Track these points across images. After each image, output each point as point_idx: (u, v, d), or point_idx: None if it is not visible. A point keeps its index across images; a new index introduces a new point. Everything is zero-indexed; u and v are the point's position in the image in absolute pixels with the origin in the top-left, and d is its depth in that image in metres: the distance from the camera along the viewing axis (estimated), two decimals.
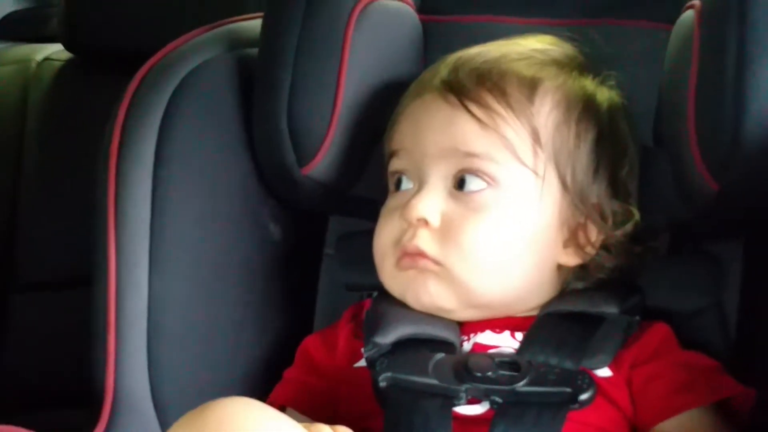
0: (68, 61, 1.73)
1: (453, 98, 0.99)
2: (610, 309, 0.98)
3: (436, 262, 0.97)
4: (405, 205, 0.98)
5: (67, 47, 1.72)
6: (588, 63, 1.06)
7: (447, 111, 0.99)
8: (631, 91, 1.07)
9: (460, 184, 0.98)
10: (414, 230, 0.98)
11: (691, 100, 0.96)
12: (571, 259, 1.01)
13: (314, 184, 1.08)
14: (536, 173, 0.98)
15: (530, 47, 1.04)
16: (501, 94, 0.99)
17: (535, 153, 0.98)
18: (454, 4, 1.18)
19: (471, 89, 0.99)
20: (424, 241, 0.97)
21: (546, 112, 0.99)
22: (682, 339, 1.01)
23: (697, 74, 0.96)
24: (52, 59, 1.75)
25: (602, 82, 1.04)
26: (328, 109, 1.04)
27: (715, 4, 0.96)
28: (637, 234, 1.02)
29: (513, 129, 0.98)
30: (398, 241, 0.99)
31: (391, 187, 1.03)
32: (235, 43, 1.12)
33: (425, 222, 0.97)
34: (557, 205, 0.99)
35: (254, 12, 1.17)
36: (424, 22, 1.17)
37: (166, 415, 1.02)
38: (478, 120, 0.98)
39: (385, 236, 1.01)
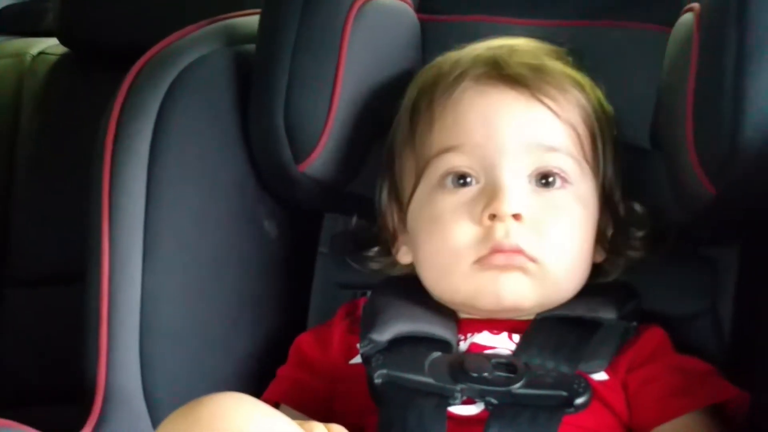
0: (63, 56, 1.73)
1: (525, 91, 0.97)
2: (608, 314, 0.98)
3: (532, 260, 0.96)
4: (492, 200, 0.95)
5: (63, 41, 1.71)
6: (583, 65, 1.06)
7: (522, 104, 0.97)
8: (628, 93, 1.08)
9: (541, 179, 0.97)
10: (506, 227, 0.95)
11: (689, 104, 0.96)
12: (598, 257, 1.03)
13: (310, 182, 1.07)
14: (593, 171, 0.99)
15: (542, 46, 1.04)
16: (563, 89, 0.99)
17: (593, 150, 0.99)
18: (453, 4, 1.18)
19: (536, 82, 0.98)
20: (521, 237, 0.95)
21: (592, 110, 1.00)
22: (678, 343, 1.01)
23: (696, 77, 0.95)
24: (48, 53, 1.75)
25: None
26: (325, 106, 1.04)
27: (714, 7, 0.96)
28: (646, 234, 1.03)
29: (580, 123, 0.99)
30: (481, 239, 0.96)
31: (444, 183, 0.99)
32: (233, 38, 1.12)
33: (516, 218, 0.95)
34: (600, 203, 1.01)
35: (252, 8, 1.16)
36: (422, 21, 1.17)
37: (157, 411, 1.01)
38: (555, 113, 0.97)
39: (460, 234, 0.97)
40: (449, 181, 0.98)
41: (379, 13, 1.09)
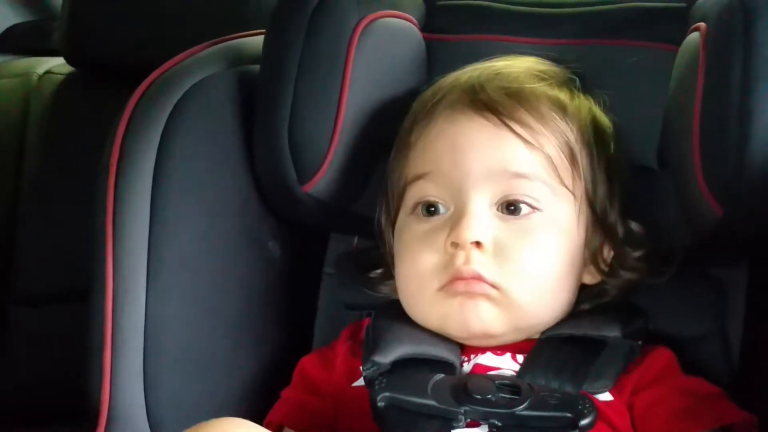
0: (69, 75, 1.73)
1: (493, 118, 0.97)
2: (612, 333, 0.98)
3: (494, 286, 0.95)
4: (454, 228, 0.95)
5: (69, 61, 1.72)
6: (585, 84, 1.06)
7: (490, 131, 0.97)
8: (634, 112, 1.07)
9: (508, 206, 0.97)
10: (466, 254, 0.95)
11: (695, 124, 0.95)
12: (591, 279, 1.02)
13: (315, 202, 1.07)
14: (574, 194, 0.98)
15: (534, 67, 1.04)
16: (538, 114, 0.98)
17: (573, 174, 0.98)
18: (459, 24, 1.18)
19: (509, 109, 0.98)
20: (480, 264, 0.95)
21: (575, 132, 1.00)
22: (685, 364, 1.00)
23: (702, 98, 0.95)
24: (54, 72, 1.75)
25: (598, 104, 1.05)
26: (330, 126, 1.04)
27: (720, 26, 0.95)
28: (646, 254, 1.02)
29: (555, 149, 0.98)
30: (443, 267, 0.96)
31: (416, 211, 1.00)
32: (237, 59, 1.12)
33: (478, 245, 0.95)
34: (587, 225, 1.00)
35: (255, 28, 1.17)
36: (428, 41, 1.17)
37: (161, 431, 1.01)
38: (524, 140, 0.97)
39: (424, 262, 0.98)
40: (420, 209, 1.00)
41: (384, 32, 1.09)
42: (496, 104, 0.98)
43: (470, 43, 1.16)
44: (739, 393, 0.99)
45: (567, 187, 0.98)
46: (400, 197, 1.02)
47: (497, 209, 0.97)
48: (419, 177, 1.00)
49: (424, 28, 1.18)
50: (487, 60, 1.06)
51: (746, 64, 0.91)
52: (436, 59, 1.16)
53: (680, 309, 1.06)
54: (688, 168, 0.97)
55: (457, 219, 0.96)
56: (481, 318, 0.96)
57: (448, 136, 0.99)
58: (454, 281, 0.96)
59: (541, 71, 1.04)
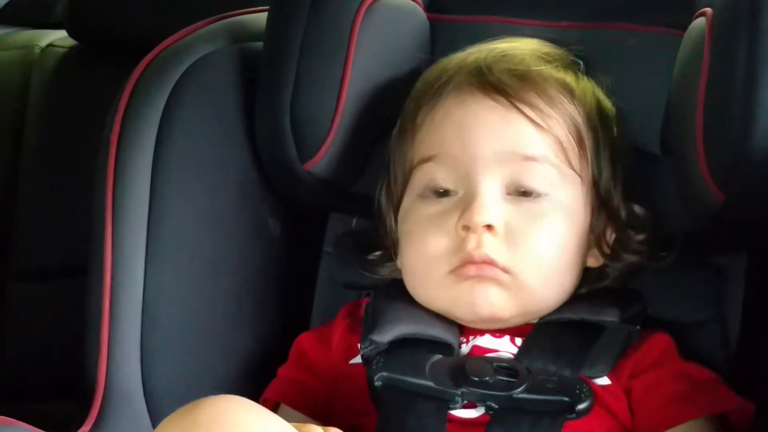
0: (72, 48, 1.72)
1: (502, 100, 0.97)
2: (611, 317, 0.98)
3: (505, 270, 0.95)
4: (464, 212, 0.95)
5: (71, 34, 1.71)
6: (588, 67, 1.06)
7: (499, 113, 0.97)
8: (638, 96, 1.07)
9: (517, 189, 0.96)
10: (478, 238, 0.95)
11: (699, 109, 0.95)
12: (594, 262, 1.02)
13: (316, 181, 1.07)
14: (581, 177, 0.98)
15: (539, 49, 1.04)
16: (547, 97, 0.98)
17: (580, 157, 0.98)
18: (463, 4, 1.17)
19: (518, 91, 0.97)
20: (492, 248, 0.94)
21: (581, 115, 1.00)
22: (683, 350, 1.00)
23: (706, 83, 0.95)
24: (56, 45, 1.74)
25: (601, 87, 1.04)
26: (332, 105, 1.03)
27: (726, 13, 0.95)
28: (648, 238, 1.02)
29: (563, 132, 0.98)
30: (454, 250, 0.96)
31: (423, 193, 0.99)
32: (240, 35, 1.11)
33: (489, 229, 0.95)
34: (592, 208, 1.00)
35: (259, 4, 1.16)
36: (432, 21, 1.16)
37: (157, 409, 1.01)
38: (534, 122, 0.97)
39: (433, 245, 0.97)
40: (427, 192, 0.99)
41: (388, 12, 1.08)
42: (505, 86, 0.97)
43: (473, 25, 1.15)
44: (737, 379, 0.99)
45: (575, 170, 0.98)
46: (406, 179, 1.01)
47: (506, 192, 0.97)
48: (427, 159, 0.99)
49: (428, 8, 1.17)
50: (490, 41, 1.05)
51: (751, 50, 0.91)
52: (439, 40, 1.15)
53: (679, 294, 1.06)
54: (690, 154, 0.97)
55: (467, 202, 0.96)
56: (490, 302, 0.96)
57: (457, 118, 0.98)
58: (465, 265, 0.95)
59: (546, 53, 1.03)
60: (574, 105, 0.99)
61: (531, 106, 0.97)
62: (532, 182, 0.96)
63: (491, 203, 0.95)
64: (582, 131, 0.99)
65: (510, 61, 1.00)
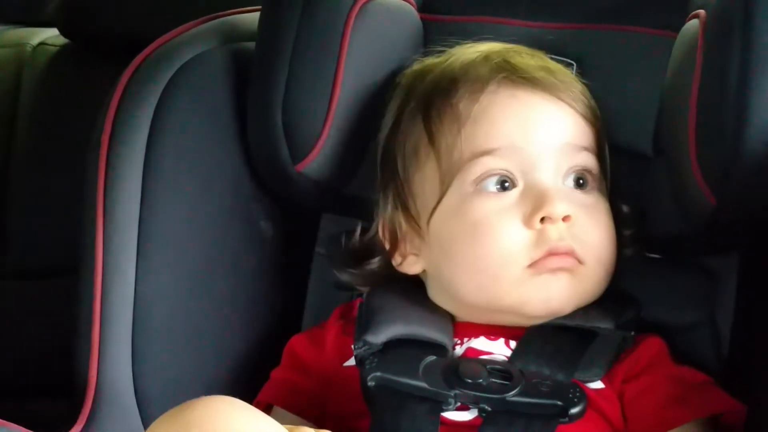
0: (64, 47, 1.72)
1: (546, 94, 0.98)
2: (605, 324, 0.98)
3: (582, 261, 0.96)
4: (540, 203, 0.94)
5: (63, 33, 1.71)
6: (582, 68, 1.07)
7: (552, 106, 0.98)
8: (630, 98, 1.07)
9: (576, 180, 0.98)
10: (558, 229, 0.95)
11: (692, 112, 0.95)
12: None
13: (308, 182, 1.07)
14: (606, 172, 1.01)
15: (527, 50, 1.04)
16: (576, 92, 1.00)
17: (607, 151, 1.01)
18: (456, 5, 1.17)
19: (557, 85, 0.98)
20: (571, 239, 0.95)
21: (593, 110, 1.01)
22: (676, 353, 1.00)
23: (699, 85, 0.94)
24: (48, 44, 1.74)
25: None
26: (324, 106, 1.03)
27: (720, 14, 0.95)
28: (635, 234, 1.03)
29: (598, 124, 1.00)
30: (534, 243, 0.95)
31: (479, 187, 0.97)
32: (232, 35, 1.11)
33: (567, 220, 0.95)
34: None
35: (251, 4, 1.16)
36: (425, 21, 1.16)
37: (148, 410, 1.01)
38: (582, 115, 0.99)
39: (509, 240, 0.95)
40: (489, 185, 0.97)
41: (381, 12, 1.08)
42: (545, 80, 0.98)
43: (466, 25, 1.15)
44: (729, 381, 0.99)
45: (606, 164, 1.01)
46: (450, 177, 0.98)
47: (566, 183, 0.98)
48: (483, 153, 0.97)
49: (421, 8, 1.17)
50: (477, 42, 1.05)
51: (745, 52, 0.90)
52: (432, 40, 1.15)
53: (671, 297, 1.06)
54: (683, 156, 0.96)
55: (538, 194, 0.95)
56: (563, 295, 0.96)
57: (513, 111, 0.98)
58: (548, 257, 0.95)
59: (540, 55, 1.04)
60: (590, 100, 1.01)
61: (571, 98, 0.99)
62: (587, 173, 0.98)
63: (562, 193, 0.96)
64: (601, 125, 1.02)
65: (530, 57, 1.01)
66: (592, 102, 1.02)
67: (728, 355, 1.05)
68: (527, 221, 0.95)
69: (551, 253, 0.95)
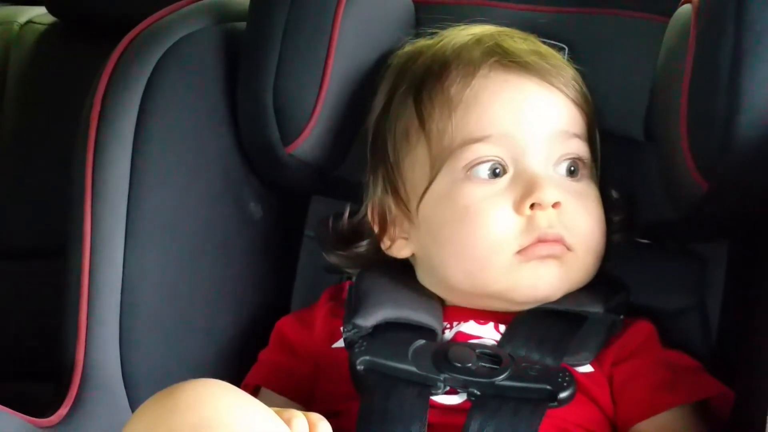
0: (52, 25, 1.70)
1: (539, 79, 0.97)
2: (595, 308, 0.98)
3: (570, 248, 0.96)
4: (530, 190, 0.94)
5: (51, 11, 1.69)
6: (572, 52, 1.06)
7: (544, 92, 0.98)
8: (621, 82, 1.07)
9: (569, 167, 0.97)
10: (547, 216, 0.94)
11: (684, 96, 0.95)
12: None
13: (298, 164, 1.06)
14: (597, 157, 1.01)
15: (518, 34, 1.03)
16: (568, 77, 0.99)
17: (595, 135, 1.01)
18: None
19: (550, 70, 0.98)
20: (561, 226, 0.95)
21: (582, 96, 1.01)
22: (665, 338, 1.00)
23: (692, 71, 0.94)
24: (35, 22, 1.72)
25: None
26: (315, 88, 1.02)
27: (713, 0, 0.94)
28: (625, 220, 1.03)
29: (588, 109, 1.00)
30: (523, 229, 0.94)
31: (469, 174, 0.96)
32: (223, 15, 1.10)
33: (557, 206, 0.95)
34: None
35: None
36: (416, 3, 1.15)
37: (136, 392, 1.01)
38: (573, 101, 0.98)
39: (498, 226, 0.95)
40: (479, 171, 0.96)
41: None
42: (538, 65, 0.98)
43: (458, 7, 1.14)
44: (718, 366, 0.99)
45: (597, 149, 1.01)
46: (440, 162, 0.98)
47: (557, 170, 0.97)
48: (475, 140, 0.96)
49: None
50: (469, 22, 1.05)
51: (737, 38, 0.90)
52: (424, 22, 1.14)
53: (660, 283, 1.06)
54: (674, 141, 0.96)
55: (528, 180, 0.95)
56: (551, 282, 0.96)
57: (505, 97, 0.97)
58: (536, 244, 0.95)
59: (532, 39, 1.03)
60: (582, 86, 1.01)
61: (563, 84, 0.98)
62: (578, 160, 0.98)
63: (552, 180, 0.96)
64: (592, 110, 1.01)
65: (522, 41, 1.00)
66: (584, 87, 1.01)
67: (716, 341, 1.06)
68: (517, 207, 0.95)
69: (540, 240, 0.94)
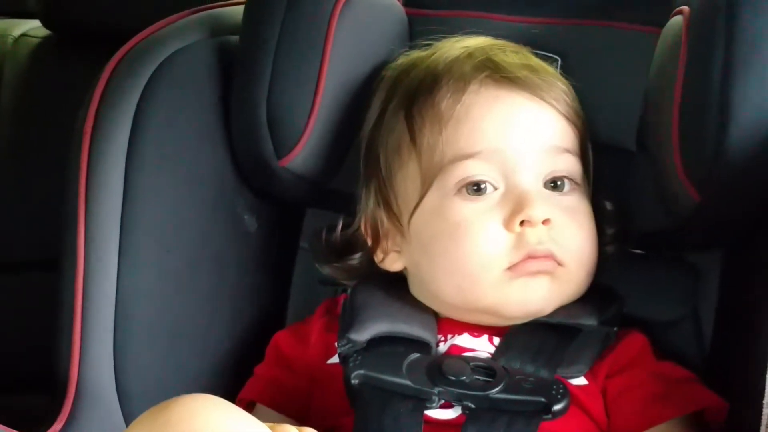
0: (45, 39, 1.71)
1: (529, 94, 0.97)
2: (588, 321, 0.98)
3: (561, 264, 0.96)
4: (520, 206, 0.94)
5: (45, 24, 1.69)
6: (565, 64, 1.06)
7: (534, 107, 0.97)
8: (613, 94, 1.07)
9: (554, 183, 0.97)
10: (537, 233, 0.94)
11: (675, 108, 0.95)
12: None
13: (292, 177, 1.06)
14: (589, 171, 1.00)
15: (510, 46, 1.04)
16: (559, 91, 0.99)
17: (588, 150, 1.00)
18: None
19: (540, 84, 0.98)
20: (551, 243, 0.95)
21: (575, 110, 1.01)
22: (658, 348, 1.00)
23: (683, 81, 0.95)
24: (29, 36, 1.72)
25: None
26: (309, 101, 1.02)
27: (704, 10, 0.95)
28: (618, 232, 1.03)
29: (579, 123, 1.00)
30: (513, 246, 0.94)
31: (460, 190, 0.96)
32: (217, 29, 1.10)
33: (546, 223, 0.94)
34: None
35: None
36: (410, 16, 1.16)
37: (130, 407, 1.01)
38: (563, 115, 0.98)
39: (488, 243, 0.95)
40: (469, 188, 0.96)
41: (366, 7, 1.08)
42: (529, 80, 0.98)
43: (451, 19, 1.14)
44: (711, 377, 0.99)
45: (589, 164, 1.01)
46: (430, 178, 0.98)
47: (546, 186, 0.97)
48: (465, 157, 0.96)
49: (406, 3, 1.16)
50: (463, 34, 1.05)
51: (728, 49, 0.90)
52: (417, 34, 1.15)
53: (653, 293, 1.06)
54: (666, 152, 0.97)
55: (518, 197, 0.95)
56: (542, 297, 0.96)
57: (494, 114, 0.97)
58: (527, 260, 0.94)
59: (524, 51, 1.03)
60: (573, 99, 1.01)
61: (553, 98, 0.98)
62: (569, 175, 0.98)
63: (542, 197, 0.95)
64: (583, 123, 1.01)
65: (516, 55, 1.00)
66: (576, 101, 1.01)
67: (710, 351, 1.06)
68: (507, 224, 0.95)
69: (530, 257, 0.94)
